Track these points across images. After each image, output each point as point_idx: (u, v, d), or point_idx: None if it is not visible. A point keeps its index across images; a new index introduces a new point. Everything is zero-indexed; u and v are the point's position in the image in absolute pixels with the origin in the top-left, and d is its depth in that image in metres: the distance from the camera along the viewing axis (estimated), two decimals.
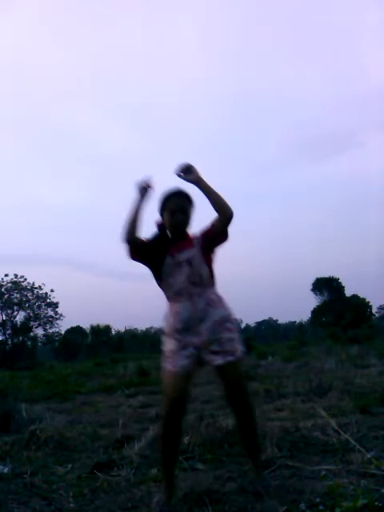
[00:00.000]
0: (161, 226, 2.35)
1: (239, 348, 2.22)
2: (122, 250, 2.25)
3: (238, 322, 2.31)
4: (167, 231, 2.33)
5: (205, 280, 2.24)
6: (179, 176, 2.24)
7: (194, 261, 2.22)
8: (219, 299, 2.26)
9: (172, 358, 2.18)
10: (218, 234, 2.23)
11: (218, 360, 2.15)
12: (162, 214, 2.32)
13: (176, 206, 2.25)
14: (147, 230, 2.32)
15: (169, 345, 2.22)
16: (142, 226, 2.24)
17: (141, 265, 2.32)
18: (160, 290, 2.35)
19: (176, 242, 2.28)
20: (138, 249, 2.25)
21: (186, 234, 2.33)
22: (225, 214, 2.16)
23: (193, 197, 2.32)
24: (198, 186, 2.21)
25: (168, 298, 2.30)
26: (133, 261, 2.28)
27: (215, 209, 2.17)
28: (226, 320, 2.22)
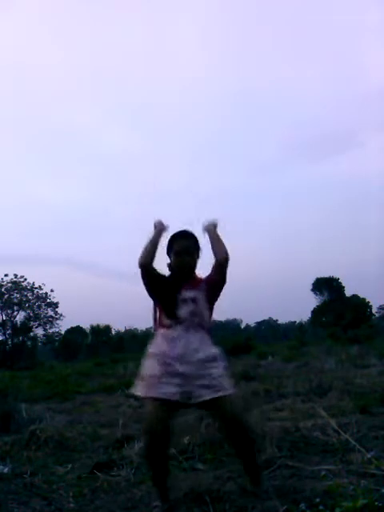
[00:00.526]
0: (170, 267, 2.36)
1: (229, 386, 2.14)
2: (137, 272, 2.25)
3: (226, 363, 2.27)
4: (175, 272, 2.33)
5: (204, 321, 2.24)
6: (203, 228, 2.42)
7: (198, 300, 2.24)
8: (211, 341, 2.26)
9: (155, 385, 2.07)
10: (217, 280, 2.29)
11: (207, 395, 2.05)
12: (169, 255, 2.35)
13: (182, 248, 2.28)
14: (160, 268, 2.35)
15: (153, 370, 2.12)
16: (156, 258, 2.27)
17: (147, 292, 2.30)
18: (154, 318, 2.33)
19: (184, 282, 2.28)
20: (151, 276, 2.25)
21: (193, 275, 2.34)
22: (221, 256, 2.28)
23: (199, 239, 2.36)
24: (209, 234, 2.36)
25: (163, 325, 2.24)
26: (143, 285, 2.27)
27: (213, 251, 2.29)
28: (217, 359, 2.19)
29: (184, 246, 2.28)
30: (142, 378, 2.16)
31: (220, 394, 2.06)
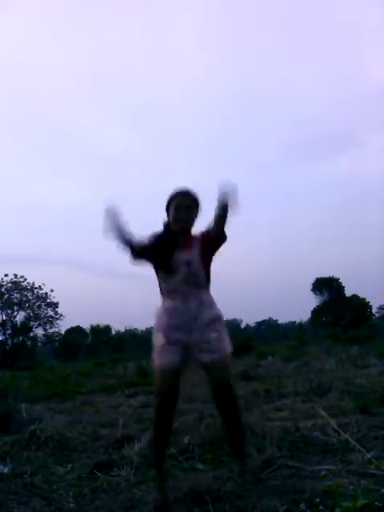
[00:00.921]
0: (166, 226, 2.37)
1: (227, 348, 2.26)
2: (124, 253, 2.29)
3: (225, 323, 2.33)
4: (171, 229, 2.35)
5: (200, 281, 2.29)
6: (223, 194, 2.16)
7: (192, 262, 2.27)
8: (212, 301, 2.33)
9: (160, 353, 2.23)
10: (215, 238, 2.30)
11: (205, 358, 2.19)
12: (167, 211, 2.36)
13: (181, 203, 2.30)
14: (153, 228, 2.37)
15: (158, 340, 2.27)
16: (130, 237, 2.25)
17: (144, 264, 2.36)
18: (158, 286, 2.39)
19: (179, 242, 2.31)
20: (139, 252, 2.29)
21: (189, 234, 2.36)
22: (219, 234, 2.28)
23: (199, 199, 2.36)
24: (223, 210, 2.18)
25: (162, 294, 2.35)
26: (136, 262, 2.32)
27: (215, 227, 2.26)
28: (217, 321, 2.27)
29: (184, 201, 2.31)
30: (153, 348, 2.29)
31: (215, 356, 2.18)
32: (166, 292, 2.33)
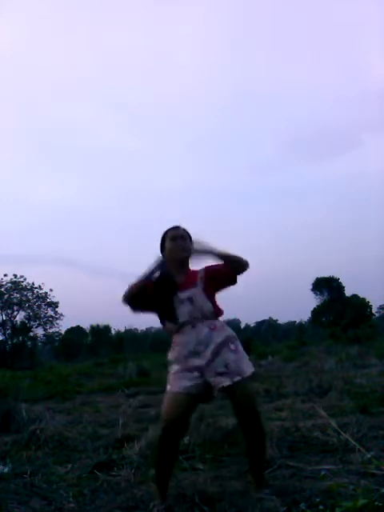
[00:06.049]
0: (163, 265, 2.34)
1: (248, 368, 2.17)
2: (125, 306, 2.31)
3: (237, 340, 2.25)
4: (169, 265, 2.33)
5: (207, 313, 2.24)
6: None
7: (195, 299, 2.23)
8: (222, 325, 2.27)
9: (175, 380, 2.15)
10: (226, 276, 2.28)
11: (226, 381, 2.09)
12: (163, 248, 2.38)
13: (176, 234, 2.34)
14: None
15: (174, 368, 2.20)
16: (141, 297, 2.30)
17: (146, 313, 2.36)
18: (165, 329, 2.34)
19: (179, 279, 2.28)
20: (138, 300, 2.30)
21: (188, 269, 2.35)
22: (242, 268, 2.26)
23: (191, 237, 2.38)
24: (213, 255, 2.24)
25: (171, 331, 2.29)
26: (137, 313, 2.35)
27: (232, 267, 2.25)
28: (230, 341, 2.20)
29: (178, 232, 2.35)
30: (168, 382, 2.21)
31: (237, 378, 2.10)
32: (172, 330, 2.27)
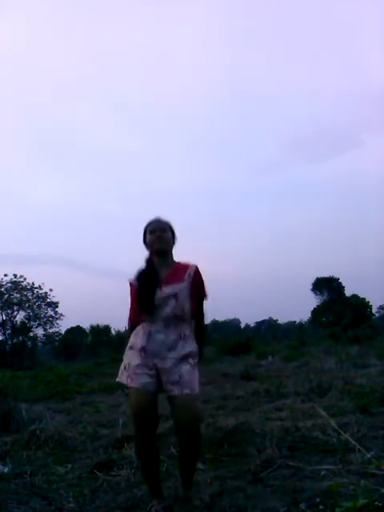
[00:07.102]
0: (148, 261, 2.34)
1: (196, 386, 2.17)
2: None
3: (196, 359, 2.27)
4: (151, 257, 2.33)
5: (186, 314, 2.24)
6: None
7: (179, 295, 2.22)
8: (191, 336, 2.27)
9: (134, 375, 2.17)
10: (201, 291, 2.35)
11: (175, 390, 2.11)
12: (145, 241, 2.36)
13: (156, 227, 2.32)
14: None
15: (133, 360, 2.21)
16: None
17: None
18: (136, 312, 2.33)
19: (163, 273, 2.27)
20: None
21: (172, 261, 2.34)
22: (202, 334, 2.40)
23: (173, 225, 2.38)
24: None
25: (143, 320, 2.27)
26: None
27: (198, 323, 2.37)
28: (191, 356, 2.21)
29: (158, 225, 2.33)
30: (125, 367, 2.24)
31: (186, 391, 2.11)
32: (147, 319, 2.25)
